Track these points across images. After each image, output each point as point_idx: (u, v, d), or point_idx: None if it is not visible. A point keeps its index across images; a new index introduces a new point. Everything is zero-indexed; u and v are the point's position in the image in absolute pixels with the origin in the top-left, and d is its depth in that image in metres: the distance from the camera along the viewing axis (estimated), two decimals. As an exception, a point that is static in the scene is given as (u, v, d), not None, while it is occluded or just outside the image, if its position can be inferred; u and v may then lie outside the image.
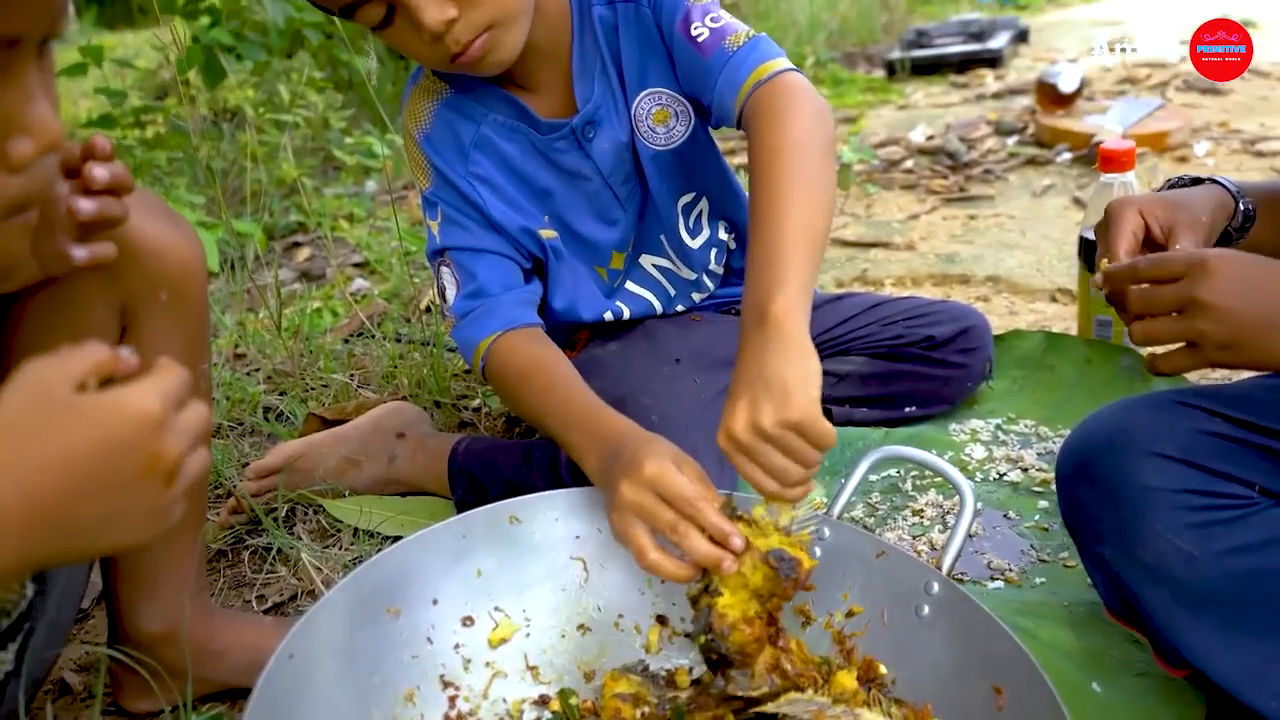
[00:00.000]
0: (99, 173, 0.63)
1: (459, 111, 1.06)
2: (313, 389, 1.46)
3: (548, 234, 1.10)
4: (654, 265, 1.19)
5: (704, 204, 1.17)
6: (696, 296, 1.23)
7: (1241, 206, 0.89)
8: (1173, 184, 0.94)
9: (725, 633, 0.72)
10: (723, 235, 1.20)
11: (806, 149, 0.86)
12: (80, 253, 0.64)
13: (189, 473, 0.49)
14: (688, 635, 0.82)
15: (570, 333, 1.20)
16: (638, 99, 1.06)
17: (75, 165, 0.64)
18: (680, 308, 1.22)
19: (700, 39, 0.99)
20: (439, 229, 1.08)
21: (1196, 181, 0.92)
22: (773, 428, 0.71)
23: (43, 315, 0.71)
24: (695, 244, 1.18)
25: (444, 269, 1.08)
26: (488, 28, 0.91)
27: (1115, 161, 1.30)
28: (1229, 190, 0.89)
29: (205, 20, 3.00)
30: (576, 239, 1.12)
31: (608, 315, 1.17)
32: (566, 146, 1.07)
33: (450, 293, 1.07)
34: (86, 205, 0.63)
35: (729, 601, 0.73)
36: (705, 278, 1.21)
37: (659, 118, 1.07)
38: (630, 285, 1.19)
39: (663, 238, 1.17)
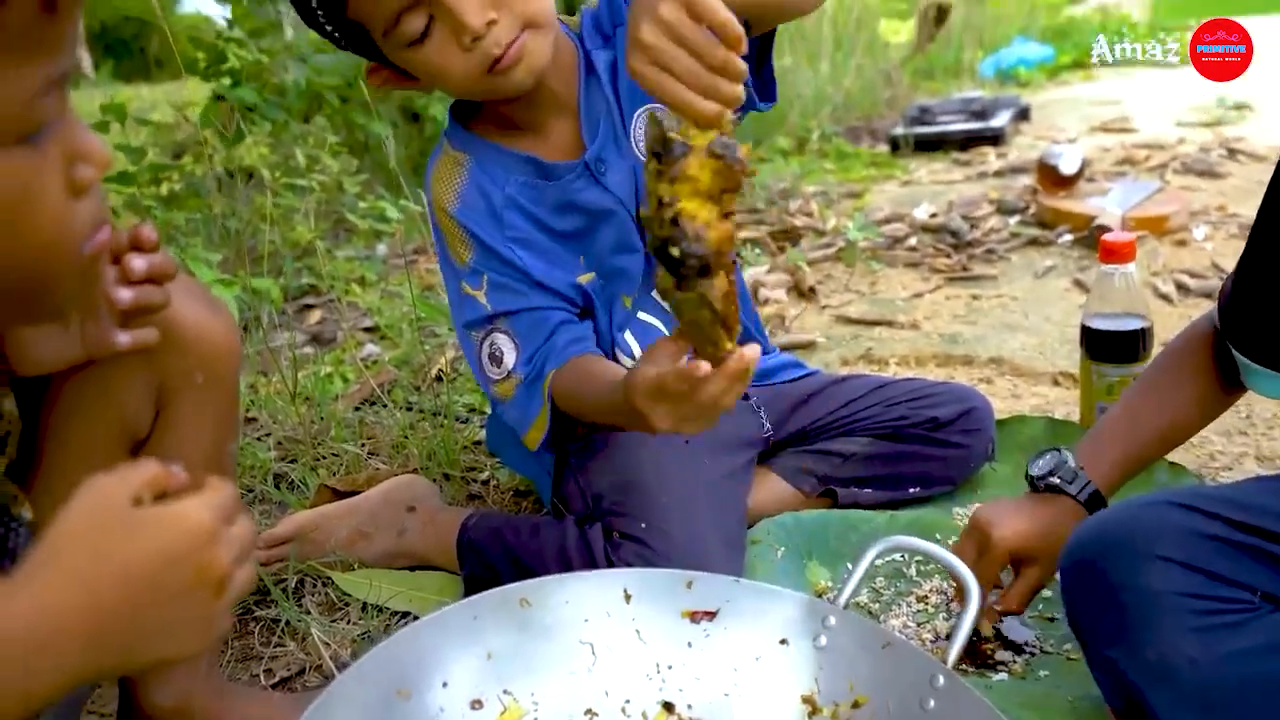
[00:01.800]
0: (137, 264, 0.66)
1: (485, 179, 1.11)
2: (323, 457, 1.48)
3: (586, 278, 1.13)
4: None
5: None
6: None
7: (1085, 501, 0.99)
8: (1037, 480, 1.02)
9: (700, 234, 0.72)
10: None
11: None
12: (123, 338, 0.67)
13: (237, 584, 0.52)
14: (653, 252, 0.76)
15: None
16: (634, 120, 1.12)
17: (123, 252, 0.67)
18: None
19: None
20: (487, 296, 1.10)
21: (1051, 487, 1.00)
22: (670, 14, 0.71)
23: (80, 396, 0.73)
24: None
25: (498, 335, 1.10)
26: (524, 28, 0.97)
27: (1117, 254, 1.33)
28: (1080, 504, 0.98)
29: (226, 80, 3.07)
30: (611, 273, 1.15)
31: (620, 352, 1.18)
32: (584, 184, 1.11)
33: (510, 357, 1.10)
34: (125, 295, 0.66)
35: (690, 206, 0.72)
36: None
37: None
38: (641, 315, 1.21)
39: None
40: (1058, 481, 0.99)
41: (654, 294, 1.20)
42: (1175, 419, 1.01)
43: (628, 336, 1.19)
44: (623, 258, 1.16)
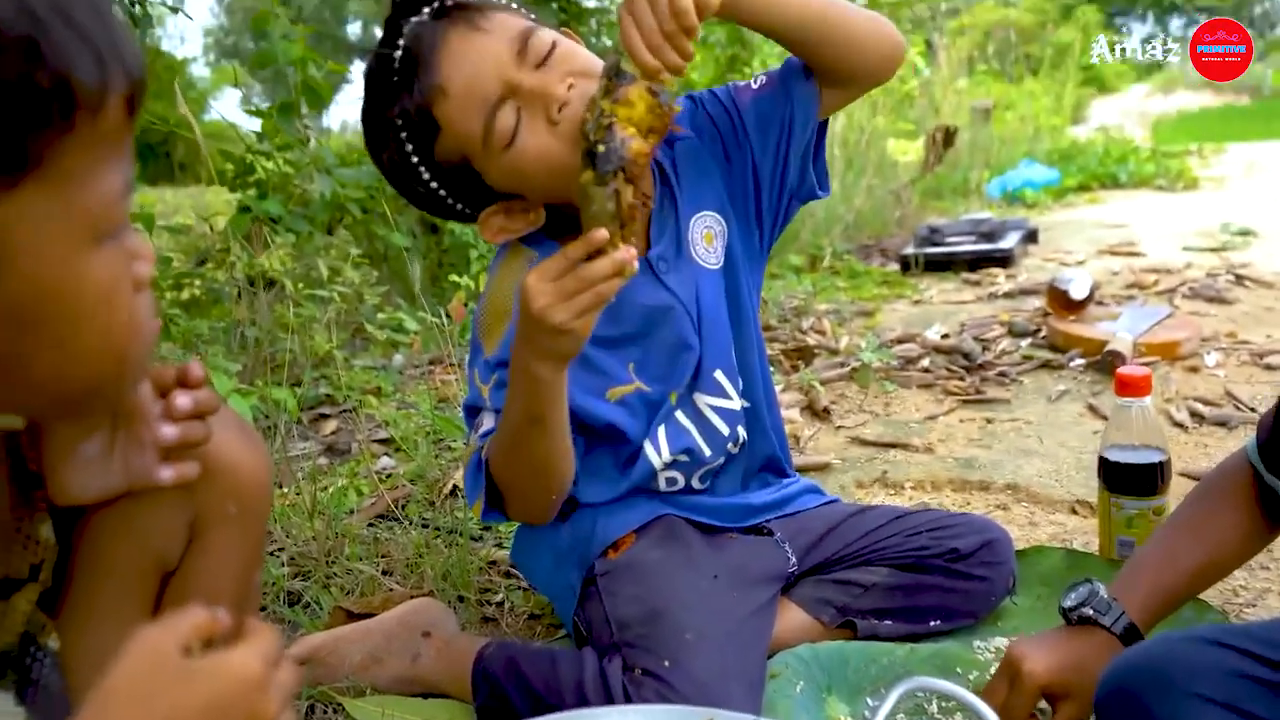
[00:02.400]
0: (182, 401, 0.68)
1: None
2: (336, 575, 1.47)
3: (627, 389, 1.16)
4: (707, 405, 1.22)
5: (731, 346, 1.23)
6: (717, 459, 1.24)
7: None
8: (1069, 612, 1.02)
9: (626, 141, 0.89)
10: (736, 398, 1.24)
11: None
12: (166, 473, 0.68)
13: None
14: (583, 154, 0.92)
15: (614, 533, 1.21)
16: (691, 222, 1.17)
17: (169, 387, 0.69)
18: (710, 461, 1.23)
19: (759, 80, 1.18)
20: (490, 393, 1.11)
21: (1085, 619, 1.00)
22: None
23: (115, 526, 0.74)
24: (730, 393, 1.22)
25: (487, 415, 1.12)
26: None
27: (1133, 387, 1.34)
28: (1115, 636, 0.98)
29: (253, 192, 3.16)
30: (662, 374, 1.17)
31: (650, 445, 1.18)
32: (645, 280, 1.13)
33: (485, 427, 1.11)
34: (170, 432, 0.68)
35: (622, 122, 0.90)
36: (726, 441, 1.23)
37: (707, 239, 1.19)
38: (679, 414, 1.21)
39: (718, 373, 1.21)
40: (1091, 613, 0.99)
41: (695, 396, 1.21)
42: (1213, 555, 1.00)
43: (660, 432, 1.20)
44: (678, 356, 1.18)
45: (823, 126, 1.20)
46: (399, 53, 1.03)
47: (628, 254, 0.90)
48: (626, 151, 0.89)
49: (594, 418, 1.15)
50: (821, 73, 1.14)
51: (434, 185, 1.08)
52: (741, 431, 1.24)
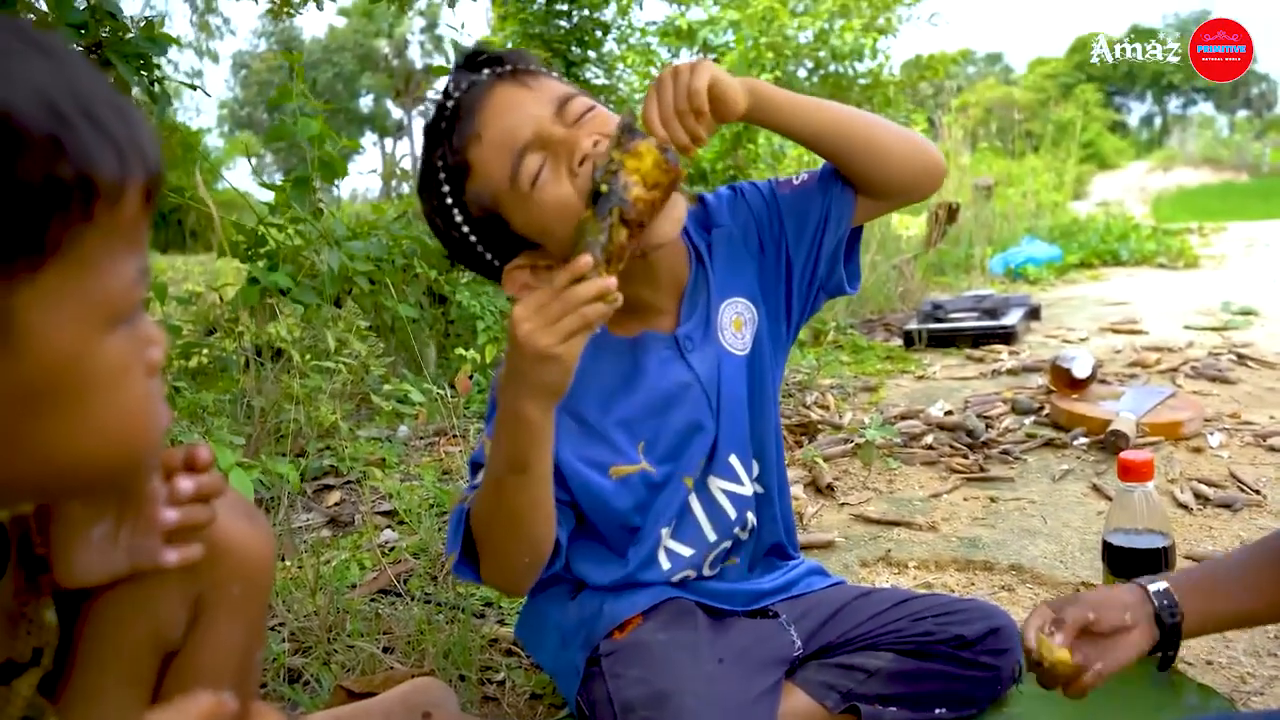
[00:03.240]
0: (185, 485, 0.69)
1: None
2: (337, 651, 1.46)
3: (633, 468, 1.16)
4: (719, 489, 1.22)
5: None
6: (724, 544, 1.24)
7: (1164, 619, 1.00)
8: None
9: (629, 186, 0.94)
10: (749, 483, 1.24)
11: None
12: (171, 555, 0.69)
13: None
14: (589, 197, 0.96)
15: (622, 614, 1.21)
16: (722, 307, 1.20)
17: (175, 470, 0.70)
18: (719, 558, 1.24)
19: (801, 177, 1.23)
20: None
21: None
22: (685, 71, 1.02)
23: (118, 607, 0.74)
24: (743, 479, 1.23)
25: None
26: None
27: (1135, 472, 1.34)
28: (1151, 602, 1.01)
29: (263, 263, 3.20)
30: (674, 454, 1.18)
31: (664, 532, 1.19)
32: (670, 357, 1.17)
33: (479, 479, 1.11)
34: (171, 516, 0.69)
35: (630, 172, 0.95)
36: (734, 525, 1.24)
37: (736, 325, 1.21)
38: (693, 500, 1.21)
39: (732, 458, 1.21)
40: (1156, 603, 1.02)
41: (709, 480, 1.22)
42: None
43: (670, 519, 1.20)
44: (691, 438, 1.19)
45: (859, 229, 1.24)
46: (451, 103, 1.09)
47: (610, 283, 0.91)
48: (627, 195, 0.94)
49: (590, 490, 1.15)
50: (854, 181, 1.19)
51: (466, 230, 1.11)
52: (750, 517, 1.25)
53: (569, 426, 1.14)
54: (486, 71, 1.10)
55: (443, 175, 1.09)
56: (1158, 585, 1.01)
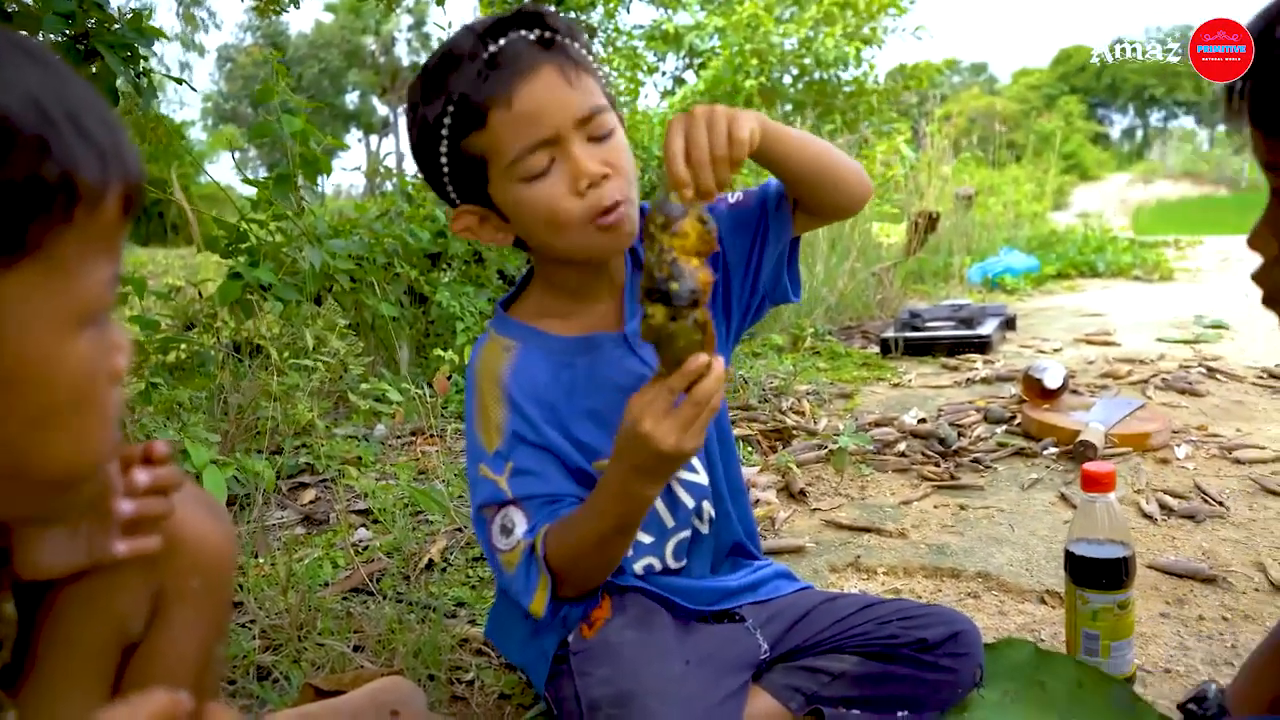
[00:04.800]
0: (141, 478, 0.71)
1: (529, 363, 1.18)
2: (307, 649, 1.47)
3: (606, 463, 1.16)
4: (676, 478, 1.25)
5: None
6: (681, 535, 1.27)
7: None
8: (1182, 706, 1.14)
9: (694, 273, 0.94)
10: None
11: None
12: (121, 546, 0.70)
13: None
14: (648, 292, 0.97)
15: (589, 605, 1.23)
16: None
17: (134, 464, 0.71)
18: (681, 549, 1.26)
19: (737, 196, 1.25)
20: (509, 481, 1.14)
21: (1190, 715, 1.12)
22: (716, 113, 1.00)
23: (78, 601, 0.75)
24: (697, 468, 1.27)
25: (512, 509, 1.14)
26: (626, 199, 1.09)
27: (1099, 483, 1.37)
28: None
29: (244, 259, 3.20)
30: None
31: None
32: (623, 354, 1.19)
33: (521, 528, 1.13)
34: (126, 507, 0.70)
35: (682, 255, 0.95)
36: (691, 513, 1.26)
37: None
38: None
39: None
40: (1194, 709, 1.09)
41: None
42: None
43: None
44: None
45: (795, 241, 1.27)
46: (492, 48, 1.06)
47: (720, 364, 0.99)
48: (696, 284, 0.95)
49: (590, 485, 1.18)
50: (805, 205, 1.22)
51: (444, 160, 1.11)
52: (708, 507, 1.27)
53: (559, 434, 1.17)
54: (536, 33, 1.08)
55: (449, 106, 1.08)
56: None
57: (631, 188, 1.12)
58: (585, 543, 1.10)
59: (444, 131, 1.09)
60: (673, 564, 1.26)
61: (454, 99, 1.08)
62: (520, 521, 1.13)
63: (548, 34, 1.09)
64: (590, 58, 1.14)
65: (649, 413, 0.99)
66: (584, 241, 1.11)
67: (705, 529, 1.28)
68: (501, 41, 1.07)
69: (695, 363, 0.97)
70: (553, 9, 1.14)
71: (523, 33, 1.08)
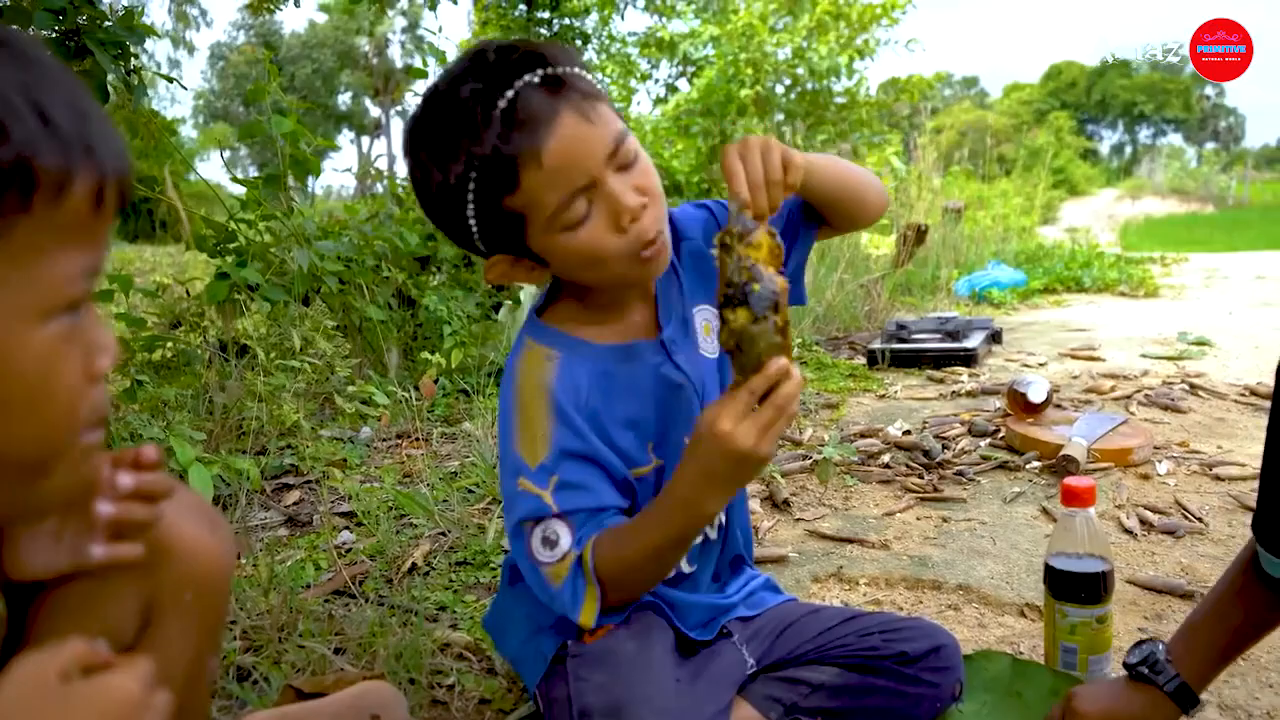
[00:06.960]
0: (124, 480, 0.70)
1: (574, 372, 1.16)
2: (288, 651, 1.47)
3: (646, 469, 1.19)
4: None
5: None
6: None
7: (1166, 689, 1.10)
8: (1130, 668, 1.15)
9: (773, 277, 0.98)
10: None
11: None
12: (97, 550, 0.70)
13: None
14: (726, 299, 1.00)
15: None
16: (694, 312, 1.25)
17: (125, 467, 0.71)
18: (693, 552, 1.27)
19: None
20: (554, 495, 1.12)
21: (1141, 677, 1.13)
22: (769, 142, 1.07)
23: (68, 606, 0.75)
24: None
25: (554, 522, 1.12)
26: (662, 226, 1.11)
27: (1078, 498, 1.38)
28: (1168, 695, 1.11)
29: (232, 258, 3.19)
30: (676, 450, 1.18)
31: None
32: (661, 359, 1.20)
33: (566, 540, 1.12)
34: (105, 509, 0.69)
35: (759, 259, 0.99)
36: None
37: (706, 330, 1.26)
38: None
39: None
40: (1146, 672, 1.11)
41: None
42: (1250, 618, 1.09)
43: None
44: (686, 435, 1.19)
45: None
46: (504, 101, 1.01)
47: (797, 373, 1.01)
48: (776, 287, 0.99)
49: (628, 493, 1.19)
50: (832, 222, 1.29)
51: (471, 220, 1.07)
52: (720, 514, 1.28)
53: (599, 441, 1.16)
54: (540, 73, 1.03)
55: (474, 172, 1.03)
56: (1158, 675, 1.10)
57: (664, 207, 1.13)
58: (641, 554, 1.10)
59: (469, 196, 1.05)
60: (685, 568, 1.27)
61: (476, 163, 1.03)
62: (565, 533, 1.12)
63: (552, 71, 1.04)
64: (591, 79, 1.11)
65: (727, 414, 1.00)
66: (625, 272, 1.11)
67: (715, 535, 1.29)
68: (510, 94, 1.01)
69: (776, 365, 0.98)
70: (543, 32, 1.15)
71: (528, 78, 1.03)
